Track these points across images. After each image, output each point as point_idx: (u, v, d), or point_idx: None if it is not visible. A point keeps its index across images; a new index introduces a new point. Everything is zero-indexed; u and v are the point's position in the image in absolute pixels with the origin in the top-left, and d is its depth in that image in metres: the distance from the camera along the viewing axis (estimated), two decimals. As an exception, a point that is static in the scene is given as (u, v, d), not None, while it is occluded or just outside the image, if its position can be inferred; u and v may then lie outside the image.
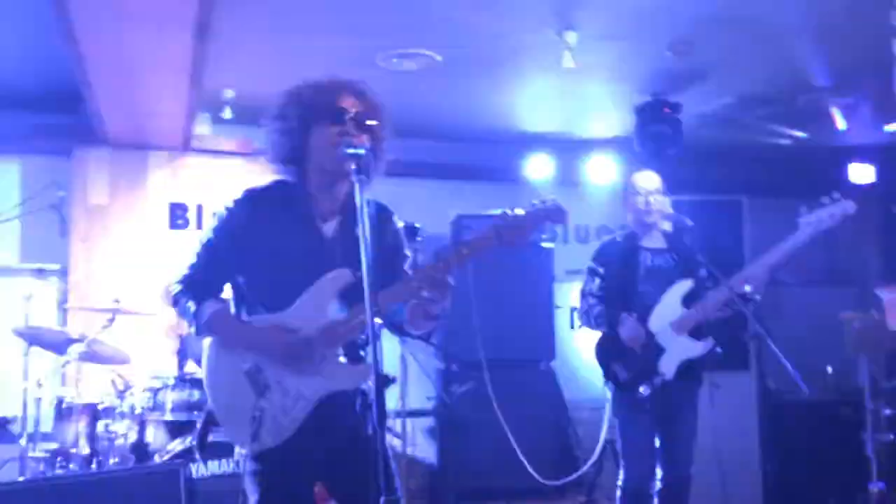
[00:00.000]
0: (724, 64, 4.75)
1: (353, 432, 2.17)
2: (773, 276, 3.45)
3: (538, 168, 5.91)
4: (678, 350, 3.50)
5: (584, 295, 3.73)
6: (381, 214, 2.29)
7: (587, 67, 4.43)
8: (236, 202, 2.26)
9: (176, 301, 2.23)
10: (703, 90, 5.14)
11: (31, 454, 3.73)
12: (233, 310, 2.25)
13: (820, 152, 6.14)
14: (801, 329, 5.30)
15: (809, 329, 5.47)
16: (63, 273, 4.95)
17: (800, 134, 5.86)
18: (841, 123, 5.41)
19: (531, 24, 4.18)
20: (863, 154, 6.00)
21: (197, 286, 2.20)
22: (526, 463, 4.60)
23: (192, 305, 2.17)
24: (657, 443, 3.56)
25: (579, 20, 4.14)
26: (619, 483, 3.61)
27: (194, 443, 3.57)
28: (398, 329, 2.27)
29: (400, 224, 2.37)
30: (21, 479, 3.04)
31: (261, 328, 2.14)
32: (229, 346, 2.17)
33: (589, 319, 3.69)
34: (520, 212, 2.14)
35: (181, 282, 2.23)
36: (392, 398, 4.71)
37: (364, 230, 1.90)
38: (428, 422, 5.43)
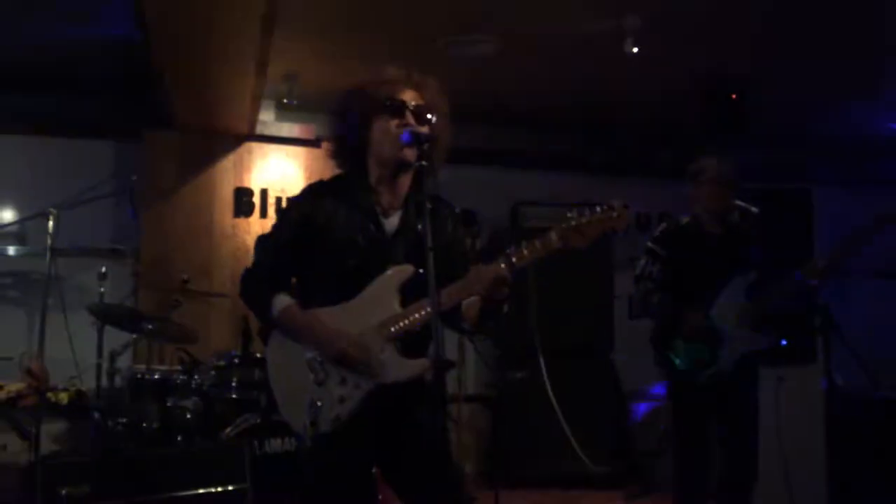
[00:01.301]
0: (796, 46, 4.60)
1: (411, 420, 2.21)
2: (842, 267, 3.35)
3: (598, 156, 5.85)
4: (739, 342, 3.43)
5: (640, 279, 3.60)
6: (442, 208, 2.31)
7: (650, 52, 4.35)
8: (299, 197, 2.33)
9: (245, 294, 2.31)
10: (773, 76, 5.00)
11: (104, 428, 3.88)
12: (298, 300, 2.29)
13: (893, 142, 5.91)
14: (870, 322, 5.13)
15: (878, 321, 5.29)
16: (135, 254, 5.13)
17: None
18: None
19: (593, 9, 4.12)
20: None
21: (266, 280, 2.27)
22: (578, 449, 4.60)
23: (261, 300, 2.24)
24: (716, 437, 3.50)
25: (642, 3, 4.07)
26: (675, 475, 3.56)
27: (258, 421, 3.67)
28: (454, 324, 2.29)
29: (458, 215, 2.38)
30: (95, 454, 3.18)
31: (327, 332, 2.18)
32: (295, 341, 2.23)
33: (647, 307, 3.59)
34: (583, 216, 2.11)
35: (251, 275, 2.31)
36: (450, 383, 4.76)
37: (427, 222, 1.93)
38: (485, 408, 5.46)
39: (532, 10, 4.14)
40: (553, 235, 2.12)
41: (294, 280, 2.33)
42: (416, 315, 2.14)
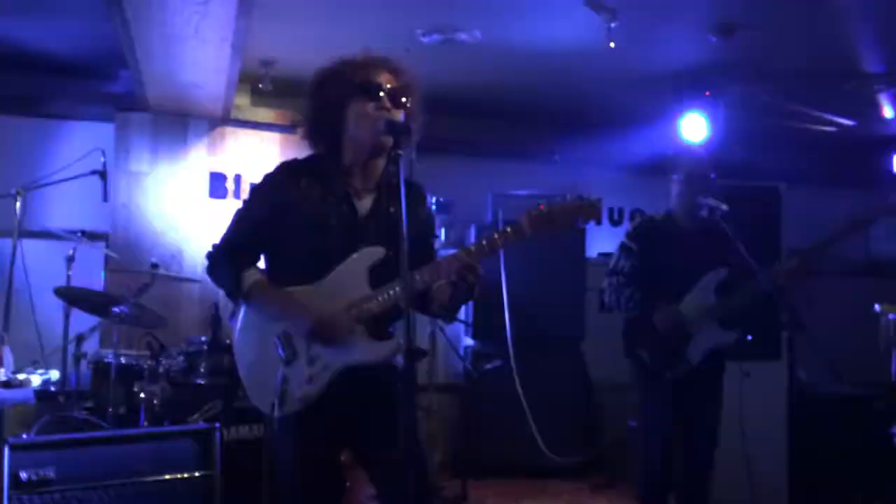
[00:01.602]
0: (768, 46, 4.66)
1: (381, 403, 2.21)
2: (813, 269, 3.41)
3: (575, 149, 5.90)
4: (707, 337, 3.48)
5: (612, 272, 3.64)
6: (416, 194, 2.31)
7: (628, 47, 4.38)
8: (273, 174, 2.31)
9: (213, 269, 2.28)
10: (745, 73, 5.05)
11: (70, 412, 3.84)
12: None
13: (862, 141, 6.01)
14: (836, 320, 5.23)
15: (844, 320, 5.39)
16: (105, 236, 5.06)
17: (844, 122, 5.74)
18: (889, 112, 5.29)
19: (571, 3, 4.13)
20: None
21: (235, 255, 2.25)
22: (540, 441, 4.64)
23: (230, 275, 2.22)
24: (680, 427, 3.55)
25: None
26: (640, 465, 3.61)
27: (226, 407, 3.65)
28: (423, 307, 2.30)
29: (429, 201, 2.40)
30: (59, 437, 3.15)
31: (295, 302, 2.18)
32: (264, 316, 2.22)
33: (619, 300, 3.62)
34: (556, 205, 2.15)
35: (219, 250, 2.28)
36: (421, 373, 4.77)
37: (402, 206, 1.93)
38: (455, 397, 5.49)
39: (511, 1, 4.14)
40: (524, 222, 2.15)
41: (263, 259, 2.32)
42: (387, 296, 2.15)
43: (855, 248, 5.66)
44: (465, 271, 2.12)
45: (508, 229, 2.17)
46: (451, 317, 2.43)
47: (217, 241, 2.31)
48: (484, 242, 2.16)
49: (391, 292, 2.15)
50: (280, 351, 2.16)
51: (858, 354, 4.90)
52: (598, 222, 2.33)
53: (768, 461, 4.50)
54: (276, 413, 2.11)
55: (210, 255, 2.29)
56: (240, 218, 2.30)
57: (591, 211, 2.18)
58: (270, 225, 2.24)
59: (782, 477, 4.67)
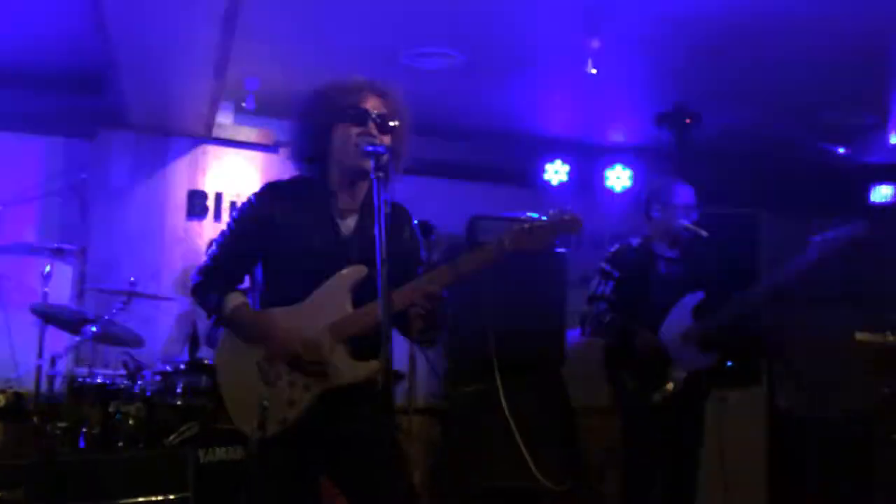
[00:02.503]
0: (748, 75, 4.73)
1: (361, 426, 2.19)
2: (784, 293, 3.45)
3: (556, 172, 5.93)
4: (686, 361, 3.50)
5: (593, 298, 3.69)
6: (400, 215, 2.32)
7: (610, 74, 4.43)
8: (258, 194, 2.31)
9: (196, 291, 2.28)
10: (726, 101, 5.12)
11: (42, 432, 3.77)
12: (250, 299, 2.28)
13: (841, 170, 6.10)
14: (814, 347, 5.27)
15: (822, 348, 5.43)
16: (82, 254, 5.01)
17: (837, 150, 5.81)
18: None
19: (554, 28, 4.18)
20: (885, 173, 5.96)
21: (218, 277, 2.25)
22: (532, 465, 4.61)
23: (213, 297, 2.22)
24: (662, 452, 3.55)
25: (604, 25, 4.13)
26: (623, 491, 3.61)
27: (202, 428, 3.60)
28: (403, 331, 2.29)
29: (414, 222, 2.40)
30: (32, 457, 3.09)
31: (276, 325, 2.17)
32: (245, 338, 2.21)
33: (599, 326, 3.65)
34: (535, 220, 2.15)
35: (202, 272, 2.28)
36: (400, 395, 4.74)
37: (381, 228, 1.93)
38: (434, 420, 5.45)
39: (496, 26, 4.18)
40: (505, 240, 2.14)
41: (248, 279, 2.31)
42: (367, 319, 2.13)
43: (833, 276, 5.71)
44: (425, 298, 2.10)
45: (489, 247, 2.16)
46: (428, 343, 2.41)
47: (201, 262, 2.30)
48: (461, 263, 2.14)
49: (373, 315, 2.14)
50: (261, 373, 2.14)
51: (837, 381, 4.94)
52: (578, 235, 2.32)
53: (747, 487, 4.51)
54: (256, 435, 2.08)
55: (194, 277, 2.28)
56: (223, 239, 2.30)
57: (571, 226, 2.17)
58: (254, 246, 2.23)
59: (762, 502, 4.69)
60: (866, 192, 5.86)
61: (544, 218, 2.16)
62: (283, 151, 2.39)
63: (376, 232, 1.93)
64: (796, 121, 5.45)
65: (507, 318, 5.17)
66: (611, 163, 5.89)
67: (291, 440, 2.14)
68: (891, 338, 4.60)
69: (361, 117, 2.21)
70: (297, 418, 2.14)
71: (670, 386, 3.43)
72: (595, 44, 4.22)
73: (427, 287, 2.11)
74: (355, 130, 2.20)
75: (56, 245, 4.54)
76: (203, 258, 2.33)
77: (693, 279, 3.60)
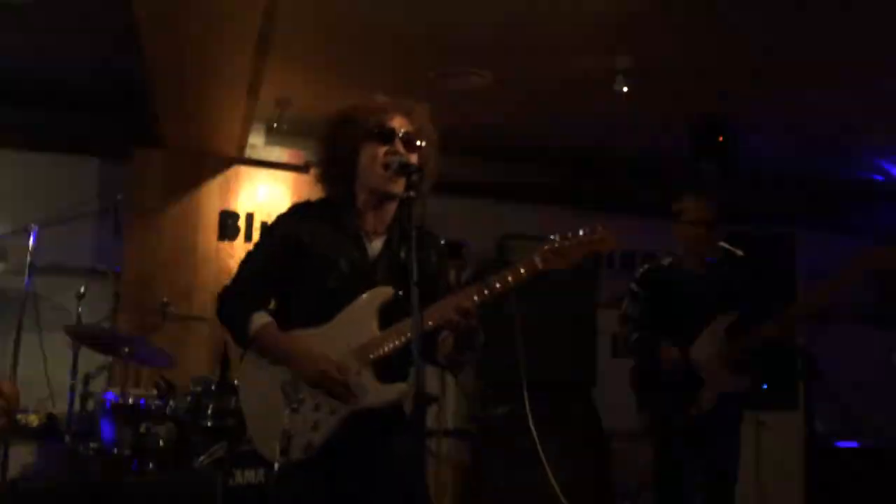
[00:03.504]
0: (785, 93, 4.67)
1: (388, 450, 2.16)
2: (822, 312, 3.37)
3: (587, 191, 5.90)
4: (718, 383, 3.42)
5: (624, 320, 3.65)
6: (427, 238, 2.29)
7: (640, 91, 4.40)
8: (283, 216, 2.31)
9: (223, 311, 2.26)
10: (760, 120, 5.06)
11: (75, 452, 3.79)
12: (276, 321, 2.26)
13: (879, 188, 5.98)
14: (852, 369, 5.14)
15: (860, 369, 5.30)
16: (115, 274, 5.06)
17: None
18: None
19: (583, 47, 4.16)
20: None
21: (245, 298, 2.23)
22: (558, 490, 4.53)
23: (239, 317, 2.20)
24: (696, 478, 3.47)
25: (634, 44, 4.11)
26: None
27: (232, 450, 3.60)
28: (429, 357, 2.25)
29: (443, 247, 2.37)
30: (64, 479, 3.10)
31: (302, 347, 2.15)
32: (270, 360, 2.19)
33: (629, 347, 3.61)
34: (567, 238, 2.12)
35: (229, 293, 2.27)
36: (430, 417, 4.70)
37: (412, 248, 1.91)
38: (465, 443, 5.40)
39: (524, 45, 4.18)
40: (536, 258, 2.10)
41: (273, 301, 2.30)
42: (396, 342, 2.11)
43: (870, 295, 5.58)
44: (459, 315, 2.05)
45: (520, 266, 2.11)
46: (457, 368, 2.36)
47: (228, 282, 2.29)
48: (496, 283, 2.09)
49: (402, 338, 2.11)
50: (285, 396, 2.12)
51: (877, 405, 4.81)
52: (613, 253, 2.26)
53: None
54: (280, 460, 2.06)
55: (220, 297, 2.27)
56: (250, 260, 2.29)
57: (604, 242, 2.13)
58: (281, 267, 2.23)
59: (799, 530, 4.56)
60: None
61: (576, 235, 2.11)
62: (313, 172, 2.38)
63: (406, 252, 1.91)
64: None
65: (538, 337, 5.12)
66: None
67: (316, 466, 2.11)
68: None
69: (388, 136, 2.20)
70: (323, 443, 2.11)
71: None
72: (624, 62, 4.21)
73: (461, 302, 2.06)
74: (382, 150, 2.19)
75: (90, 265, 4.58)
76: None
77: (727, 299, 3.53)
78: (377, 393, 2.13)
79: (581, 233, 2.12)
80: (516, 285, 2.12)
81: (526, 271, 2.11)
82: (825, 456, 4.73)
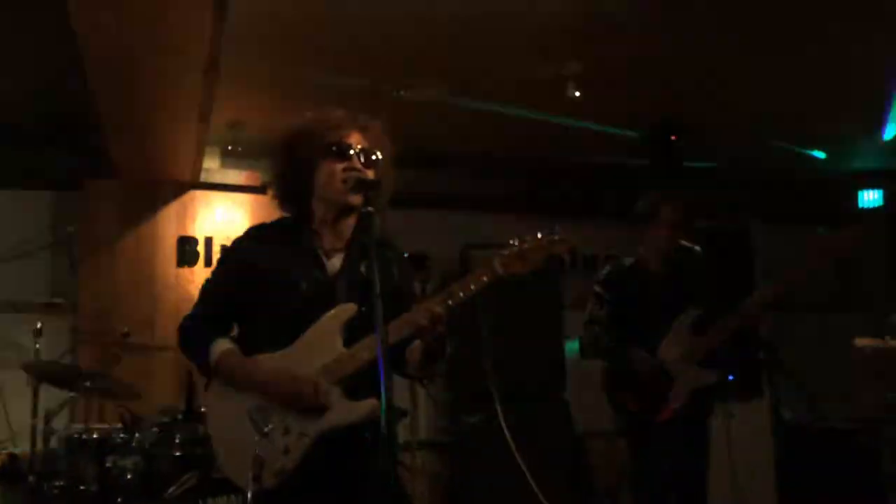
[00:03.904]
0: (736, 86, 4.77)
1: (362, 468, 2.14)
2: (782, 301, 3.43)
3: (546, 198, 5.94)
4: (688, 379, 3.46)
5: (590, 322, 3.67)
6: (390, 252, 2.28)
7: (594, 95, 4.46)
8: (240, 240, 2.28)
9: (183, 341, 2.23)
10: (711, 117, 5.16)
11: (39, 492, 3.69)
12: (239, 347, 2.22)
13: (829, 178, 6.14)
14: (813, 355, 5.25)
15: (821, 355, 5.42)
16: (73, 307, 4.95)
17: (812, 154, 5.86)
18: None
19: (535, 57, 4.21)
20: (871, 179, 6.00)
21: (204, 327, 2.20)
22: (539, 494, 4.55)
23: (199, 346, 2.17)
24: (670, 473, 3.51)
25: (584, 49, 4.17)
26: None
27: (202, 478, 3.54)
28: (399, 369, 2.23)
29: (406, 259, 2.36)
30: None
31: (266, 372, 2.12)
32: (235, 387, 2.16)
33: (597, 349, 3.63)
34: (525, 242, 2.12)
35: (188, 322, 2.24)
36: (403, 430, 4.68)
37: (373, 263, 1.90)
38: (439, 454, 5.38)
39: (477, 56, 4.21)
40: (496, 264, 2.09)
41: (236, 328, 2.26)
42: (363, 357, 2.09)
43: (829, 283, 5.72)
44: (428, 323, 2.03)
45: (481, 273, 2.10)
46: (427, 377, 2.34)
47: (188, 313, 2.26)
48: (459, 291, 2.08)
49: (368, 353, 2.09)
50: (253, 423, 2.08)
51: (836, 389, 4.91)
52: (572, 255, 2.26)
53: (758, 500, 4.46)
54: (253, 489, 2.02)
55: (180, 328, 2.24)
56: (208, 288, 2.27)
57: (563, 243, 2.12)
58: (239, 292, 2.20)
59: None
60: (855, 198, 5.90)
61: (534, 238, 2.11)
62: (271, 192, 2.36)
63: (367, 267, 1.89)
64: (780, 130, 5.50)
65: (506, 345, 5.14)
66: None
67: (290, 491, 2.07)
68: (891, 342, 4.60)
69: (345, 153, 2.19)
70: (296, 466, 2.07)
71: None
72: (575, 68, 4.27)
73: (431, 307, 2.05)
74: (340, 167, 2.18)
75: (46, 300, 4.49)
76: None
77: (689, 295, 3.58)
78: (347, 411, 2.10)
79: (539, 235, 2.11)
80: (479, 291, 2.11)
81: (488, 278, 2.10)
82: (793, 440, 4.82)
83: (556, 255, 2.14)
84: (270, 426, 2.08)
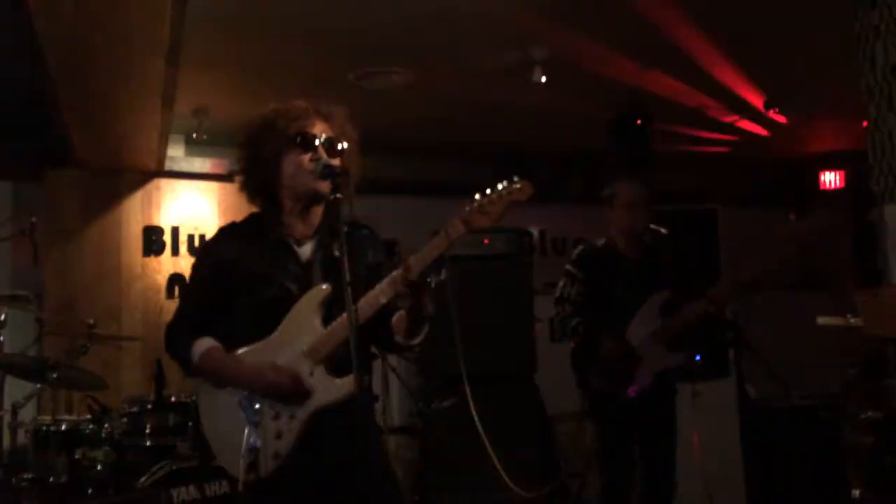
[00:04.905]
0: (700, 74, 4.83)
1: (349, 451, 2.16)
2: (753, 286, 3.49)
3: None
4: (655, 360, 3.51)
5: (560, 300, 3.69)
6: (362, 234, 2.30)
7: (559, 83, 4.48)
8: (211, 242, 2.33)
9: (168, 345, 2.28)
10: (675, 101, 5.22)
11: (8, 485, 3.65)
12: (224, 342, 2.23)
13: (791, 160, 6.24)
14: (778, 334, 5.35)
15: (786, 334, 5.52)
16: (38, 299, 4.88)
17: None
18: None
19: (501, 42, 4.21)
20: (832, 161, 6.11)
21: (185, 328, 2.24)
22: (503, 473, 4.59)
23: (181, 347, 2.21)
24: (637, 453, 3.56)
25: (550, 36, 4.18)
26: (600, 494, 3.61)
27: (174, 468, 3.53)
28: (387, 343, 2.26)
29: (378, 237, 2.38)
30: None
31: (248, 368, 2.16)
32: (218, 384, 2.20)
33: (565, 329, 3.66)
34: (485, 195, 2.09)
35: (171, 326, 2.28)
36: (376, 416, 4.69)
37: (343, 246, 1.92)
38: (412, 439, 5.41)
39: (443, 41, 4.20)
40: (457, 221, 2.08)
41: (222, 325, 2.27)
42: (341, 332, 2.10)
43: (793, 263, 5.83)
44: (407, 283, 2.05)
45: (443, 233, 2.08)
46: (417, 343, 2.35)
47: (172, 316, 2.30)
48: (424, 251, 2.08)
49: (345, 328, 2.09)
50: (243, 413, 2.12)
51: (801, 367, 5.02)
52: (528, 200, 2.20)
53: (725, 477, 4.55)
54: (245, 477, 2.04)
55: (165, 332, 2.29)
56: (186, 290, 2.33)
57: (522, 191, 2.10)
58: (217, 291, 2.23)
59: (741, 493, 4.73)
60: (815, 180, 6.01)
61: (494, 190, 2.10)
62: (237, 181, 2.36)
63: (339, 248, 1.90)
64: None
65: (476, 328, 5.17)
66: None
67: (287, 476, 2.10)
68: (852, 320, 4.70)
69: (310, 143, 2.20)
70: (289, 450, 2.11)
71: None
72: (541, 53, 4.28)
73: (404, 274, 2.05)
74: (306, 157, 2.20)
75: (10, 292, 4.41)
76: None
77: (658, 277, 3.62)
78: (333, 388, 2.13)
79: (500, 187, 2.11)
80: (444, 250, 2.10)
81: (453, 234, 2.08)
82: (758, 417, 4.92)
83: (516, 201, 2.11)
84: (260, 413, 2.11)
